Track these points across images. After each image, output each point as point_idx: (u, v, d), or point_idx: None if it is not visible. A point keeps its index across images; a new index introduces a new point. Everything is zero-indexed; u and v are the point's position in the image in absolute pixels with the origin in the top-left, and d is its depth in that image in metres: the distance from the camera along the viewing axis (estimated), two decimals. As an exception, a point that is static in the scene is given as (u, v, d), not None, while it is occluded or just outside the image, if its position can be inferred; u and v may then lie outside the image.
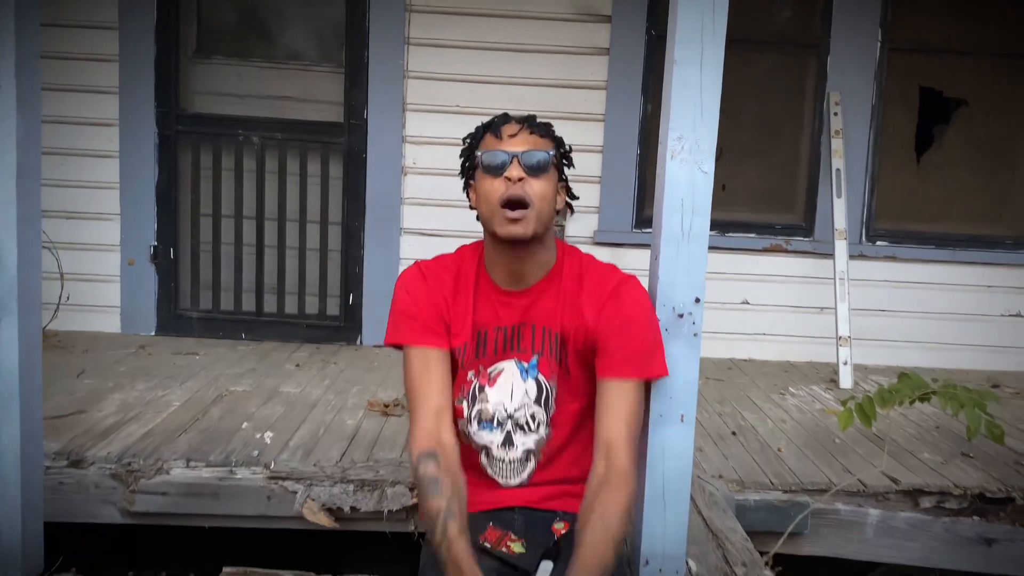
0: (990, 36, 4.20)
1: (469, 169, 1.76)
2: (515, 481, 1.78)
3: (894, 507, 2.61)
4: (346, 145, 4.10)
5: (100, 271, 4.07)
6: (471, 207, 1.78)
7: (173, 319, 4.15)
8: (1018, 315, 4.28)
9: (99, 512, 2.53)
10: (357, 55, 4.05)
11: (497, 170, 1.65)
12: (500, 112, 4.38)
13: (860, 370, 3.99)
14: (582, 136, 4.04)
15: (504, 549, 1.72)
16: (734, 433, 3.08)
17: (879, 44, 4.12)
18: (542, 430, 1.77)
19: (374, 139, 4.06)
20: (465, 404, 1.78)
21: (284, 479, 2.51)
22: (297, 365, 3.75)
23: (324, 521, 2.45)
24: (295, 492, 2.49)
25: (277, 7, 4.19)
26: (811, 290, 4.20)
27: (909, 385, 2.76)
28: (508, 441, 1.76)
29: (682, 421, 1.87)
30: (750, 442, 2.99)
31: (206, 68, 4.15)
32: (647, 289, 1.82)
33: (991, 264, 4.23)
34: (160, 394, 3.22)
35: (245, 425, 2.90)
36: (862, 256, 4.17)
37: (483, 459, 1.79)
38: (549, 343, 1.75)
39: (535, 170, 1.66)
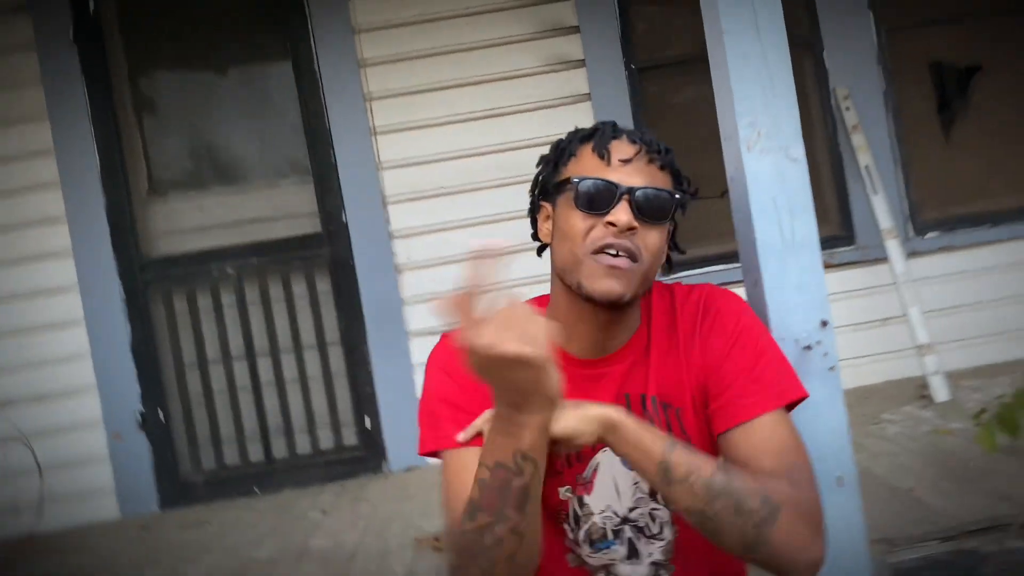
0: (985, -4, 3.93)
1: (546, 190, 1.27)
2: None
3: (1079, 531, 2.13)
4: (329, 255, 3.71)
5: (83, 453, 3.60)
6: (536, 238, 1.31)
7: (176, 489, 3.66)
8: (1099, 281, 3.85)
9: None
10: (323, 158, 3.70)
11: (597, 205, 1.17)
12: (495, 183, 3.93)
13: (947, 378, 3.52)
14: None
15: None
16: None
17: (874, 28, 3.82)
18: (667, 532, 1.27)
19: (359, 242, 3.68)
20: (568, 527, 1.27)
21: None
22: (323, 512, 3.26)
23: None
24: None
25: (229, 129, 3.88)
26: (868, 302, 3.77)
27: (1048, 379, 2.31)
28: (633, 553, 1.26)
29: (840, 485, 1.41)
30: (873, 488, 2.50)
31: (163, 207, 3.80)
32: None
33: (1054, 231, 3.83)
34: (169, 584, 2.73)
35: (277, 601, 2.41)
36: (914, 253, 3.75)
37: None
38: (654, 413, 1.27)
39: (652, 217, 1.18)
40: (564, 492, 1.26)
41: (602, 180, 1.17)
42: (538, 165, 1.31)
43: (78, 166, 3.62)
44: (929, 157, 3.91)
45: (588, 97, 3.73)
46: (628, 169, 1.19)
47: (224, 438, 3.72)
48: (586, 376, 1.25)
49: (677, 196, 1.21)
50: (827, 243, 3.73)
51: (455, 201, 3.71)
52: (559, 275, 1.24)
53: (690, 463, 1.07)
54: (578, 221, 1.18)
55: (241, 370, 3.71)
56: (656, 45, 3.85)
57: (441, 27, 3.73)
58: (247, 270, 3.70)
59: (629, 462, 1.11)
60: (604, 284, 1.16)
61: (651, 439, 1.08)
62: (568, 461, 1.25)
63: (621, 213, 1.16)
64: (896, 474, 2.59)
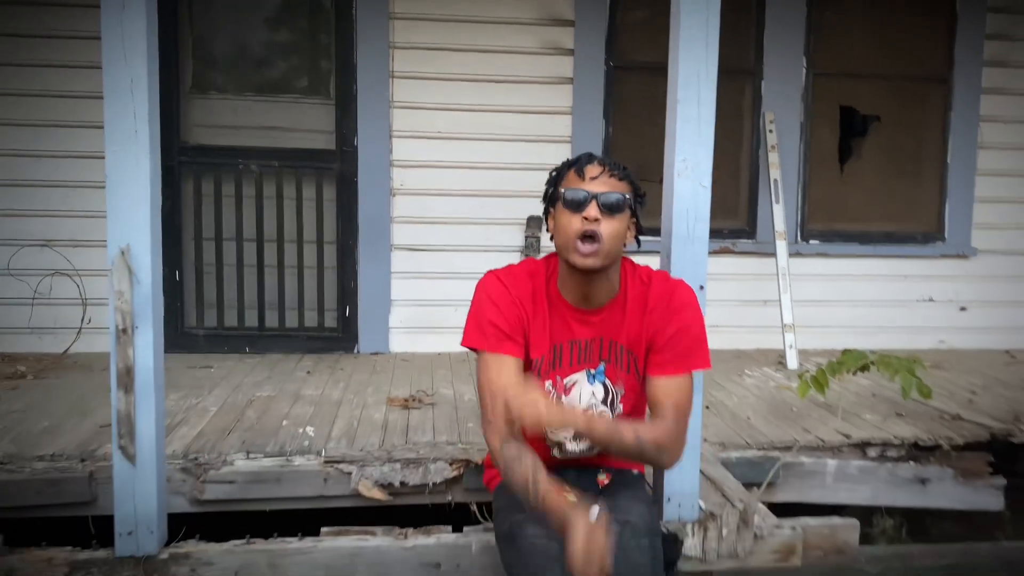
0: (897, 61, 4.89)
1: (551, 199, 1.98)
2: (580, 458, 2.09)
3: (847, 457, 3.14)
4: (338, 170, 4.48)
5: (106, 295, 4.32)
6: (547, 231, 2.01)
7: (180, 336, 4.44)
8: (930, 300, 4.96)
9: (168, 503, 2.84)
10: (346, 88, 4.45)
11: (577, 207, 1.85)
12: (484, 137, 4.87)
13: (802, 354, 4.56)
14: (552, 156, 4.50)
15: (561, 497, 2.13)
16: (707, 407, 3.59)
17: (804, 70, 4.76)
18: None
19: (364, 164, 4.46)
20: None
21: (338, 462, 2.87)
22: (308, 372, 4.10)
23: (379, 495, 2.82)
24: (349, 473, 2.85)
25: (269, 45, 4.56)
26: (756, 286, 4.77)
27: (852, 357, 3.32)
28: (578, 435, 2.01)
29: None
30: (722, 414, 3.51)
31: (203, 102, 4.48)
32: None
33: (906, 256, 4.90)
34: (194, 402, 3.53)
35: (285, 423, 3.25)
36: (798, 254, 4.77)
37: (555, 452, 2.06)
38: (616, 354, 1.99)
39: (611, 211, 1.85)
40: (550, 387, 2.02)
41: (580, 190, 1.87)
42: (546, 185, 2.00)
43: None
44: (824, 181, 4.91)
45: (571, 81, 4.57)
46: (596, 182, 1.87)
47: (226, 303, 4.50)
48: (576, 319, 1.98)
49: (627, 197, 1.89)
50: (733, 234, 4.73)
51: (447, 145, 4.51)
52: (559, 252, 1.94)
53: (592, 421, 1.79)
54: (566, 217, 1.88)
55: (249, 250, 4.48)
56: (632, 50, 4.68)
57: (461, -1, 4.48)
58: (268, 170, 4.45)
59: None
60: (581, 260, 1.86)
61: (602, 433, 1.79)
62: (555, 364, 2.01)
63: (591, 210, 1.84)
64: (741, 407, 3.59)
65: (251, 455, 2.91)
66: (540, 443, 2.07)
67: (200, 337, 4.47)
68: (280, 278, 4.51)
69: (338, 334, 4.56)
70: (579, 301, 1.97)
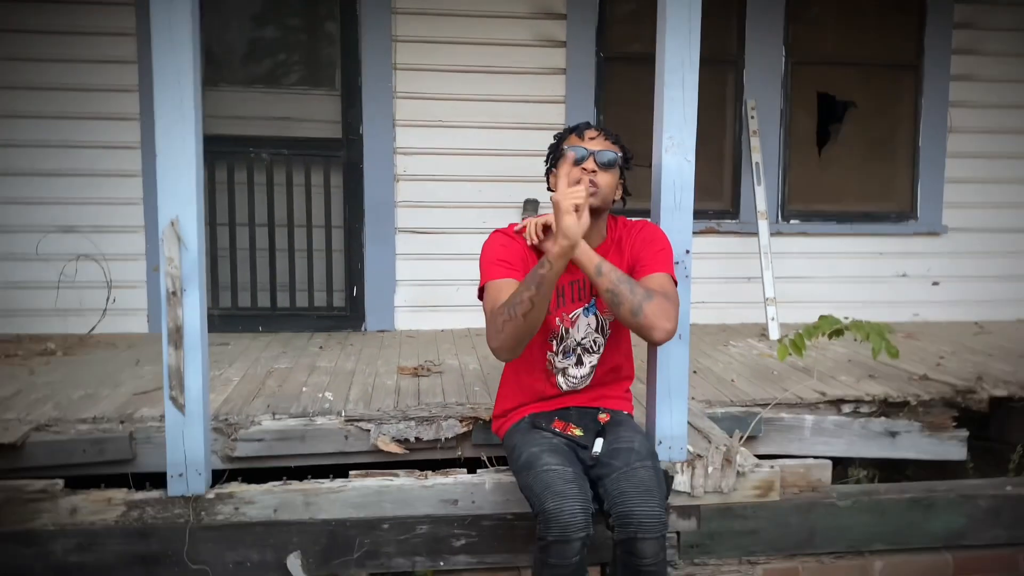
0: (870, 50, 5.17)
1: (553, 159, 2.42)
2: (580, 388, 2.46)
3: (823, 413, 3.43)
4: (345, 158, 4.74)
5: (129, 279, 4.57)
6: (548, 188, 2.41)
7: (196, 317, 4.68)
8: (904, 275, 5.26)
9: (202, 461, 3.10)
10: (352, 79, 4.70)
11: (578, 161, 2.26)
12: (482, 125, 5.19)
13: (783, 327, 4.83)
14: (546, 143, 4.76)
15: (569, 433, 2.41)
16: (695, 372, 3.87)
17: (784, 59, 5.04)
18: (601, 350, 2.45)
19: (369, 152, 4.71)
20: (554, 342, 2.41)
21: (357, 421, 3.13)
22: (320, 347, 4.35)
23: (396, 449, 3.08)
24: (368, 430, 3.11)
25: (276, 39, 4.80)
26: (739, 264, 5.05)
27: (827, 322, 3.60)
28: (579, 362, 2.43)
29: (680, 339, 2.62)
30: (709, 378, 3.79)
31: (214, 94, 4.71)
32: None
33: (881, 235, 5.20)
34: (217, 373, 3.78)
35: (304, 389, 3.50)
36: (779, 233, 5.06)
37: (560, 379, 2.44)
38: None
39: (605, 166, 2.30)
40: (558, 322, 2.40)
41: (581, 147, 2.30)
42: (549, 149, 2.45)
43: (150, 48, 4.50)
44: (803, 164, 5.19)
45: (564, 72, 4.83)
46: (594, 143, 2.31)
47: (240, 285, 4.75)
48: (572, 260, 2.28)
49: (618, 156, 2.34)
50: (718, 215, 5.01)
51: (448, 132, 4.77)
52: None
53: (610, 266, 2.14)
54: (567, 170, 2.22)
55: (261, 235, 4.73)
56: (621, 42, 4.95)
57: (459, -6, 4.74)
58: (278, 158, 4.70)
59: (582, 265, 2.16)
60: None
61: (595, 255, 2.14)
62: (559, 303, 2.36)
63: (589, 163, 2.28)
64: (726, 371, 3.87)
65: (276, 416, 3.15)
66: (546, 374, 2.43)
67: (215, 317, 4.71)
68: (291, 261, 4.76)
69: (346, 313, 4.81)
70: None
